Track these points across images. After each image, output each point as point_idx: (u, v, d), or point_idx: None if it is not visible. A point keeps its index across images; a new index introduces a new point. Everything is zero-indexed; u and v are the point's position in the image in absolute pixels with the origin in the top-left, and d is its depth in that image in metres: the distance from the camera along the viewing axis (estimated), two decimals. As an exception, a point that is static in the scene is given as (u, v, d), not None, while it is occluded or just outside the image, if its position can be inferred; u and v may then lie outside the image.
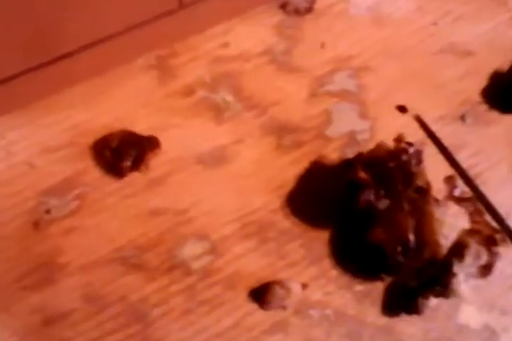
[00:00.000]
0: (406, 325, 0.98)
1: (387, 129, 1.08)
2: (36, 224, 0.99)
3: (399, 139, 1.00)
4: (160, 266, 0.98)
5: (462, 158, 1.09)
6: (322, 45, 1.16)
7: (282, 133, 1.08)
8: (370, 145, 1.02)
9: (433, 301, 0.96)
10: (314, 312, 0.98)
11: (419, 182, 0.97)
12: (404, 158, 0.97)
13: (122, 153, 1.03)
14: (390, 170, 0.97)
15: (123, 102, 1.08)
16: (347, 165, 1.02)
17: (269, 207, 1.03)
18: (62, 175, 1.03)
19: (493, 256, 0.98)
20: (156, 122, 1.07)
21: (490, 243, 0.98)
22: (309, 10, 1.18)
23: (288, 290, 0.97)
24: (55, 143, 1.05)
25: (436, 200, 0.99)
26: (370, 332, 0.97)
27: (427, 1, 1.21)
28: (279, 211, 1.03)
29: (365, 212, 0.96)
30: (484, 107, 1.13)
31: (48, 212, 1.00)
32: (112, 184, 1.03)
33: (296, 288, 0.98)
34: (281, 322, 0.97)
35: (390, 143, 1.00)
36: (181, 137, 1.07)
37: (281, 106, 1.10)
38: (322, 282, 0.99)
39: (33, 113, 1.06)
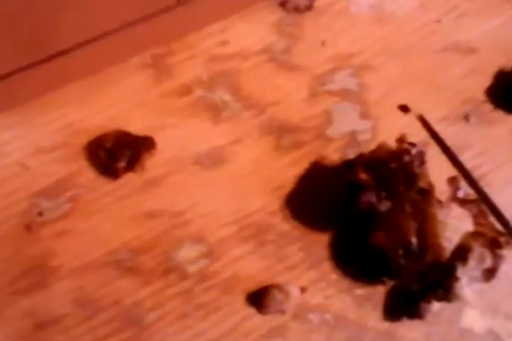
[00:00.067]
0: (408, 329, 0.97)
1: (389, 129, 1.07)
2: (28, 227, 0.98)
3: (401, 139, 0.99)
4: (155, 270, 0.97)
5: (466, 158, 1.07)
6: (322, 43, 1.14)
7: (282, 133, 1.07)
8: (372, 146, 1.01)
9: (435, 305, 0.95)
10: (314, 317, 0.96)
11: (422, 184, 0.96)
12: (407, 158, 0.97)
13: (117, 153, 1.01)
14: (392, 171, 0.96)
15: (118, 102, 1.07)
16: (348, 166, 1.01)
17: (267, 209, 1.02)
18: (55, 176, 1.01)
19: (497, 259, 0.97)
20: (152, 122, 1.06)
21: (494, 246, 0.97)
22: (309, 7, 1.16)
23: (287, 294, 0.96)
24: (48, 143, 1.03)
25: (440, 202, 0.97)
26: (371, 336, 0.96)
27: (430, -3, 1.20)
28: (278, 213, 1.02)
29: (366, 214, 0.95)
30: (488, 107, 1.11)
31: (40, 214, 0.99)
32: (106, 185, 1.02)
33: (295, 291, 0.96)
34: (279, 327, 0.95)
35: (392, 144, 0.99)
36: (178, 137, 1.05)
37: (280, 106, 1.09)
38: (322, 285, 0.98)
39: (26, 112, 1.05)
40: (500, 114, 1.11)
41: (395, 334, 0.96)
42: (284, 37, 1.14)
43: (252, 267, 0.98)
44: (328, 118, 1.09)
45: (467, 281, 0.94)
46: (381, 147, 0.98)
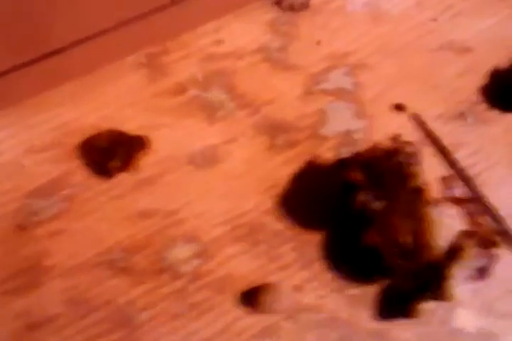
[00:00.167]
0: (400, 329, 0.96)
1: (383, 128, 1.07)
2: (22, 227, 0.98)
3: (396, 139, 1.00)
4: (148, 269, 0.97)
5: (461, 157, 1.07)
6: (318, 42, 1.13)
7: (276, 133, 1.07)
8: (366, 145, 1.01)
9: (428, 305, 0.95)
10: (306, 317, 0.96)
11: (416, 183, 0.95)
12: (401, 157, 0.96)
13: (111, 153, 1.01)
14: (387, 171, 0.95)
15: (112, 101, 1.06)
16: (342, 165, 1.00)
17: (260, 208, 1.01)
18: (49, 175, 1.01)
19: (491, 258, 0.96)
20: (146, 121, 1.05)
21: (488, 245, 0.97)
22: (305, 6, 1.16)
23: (279, 293, 0.95)
24: (42, 142, 1.03)
25: (434, 201, 0.96)
26: (364, 336, 0.96)
27: (427, -4, 1.19)
28: (271, 212, 1.01)
29: (361, 214, 0.95)
30: (484, 106, 1.10)
31: (34, 213, 0.99)
32: (100, 185, 1.01)
33: (287, 291, 0.96)
34: (272, 327, 0.95)
35: (387, 143, 0.99)
36: (172, 137, 1.05)
37: (275, 105, 1.08)
38: (314, 285, 0.98)
39: (20, 111, 1.04)
40: (495, 113, 1.10)
41: (387, 334, 0.96)
42: (279, 36, 1.13)
43: (245, 266, 0.98)
44: (322, 117, 1.08)
45: (461, 280, 0.93)
46: (376, 146, 0.98)
